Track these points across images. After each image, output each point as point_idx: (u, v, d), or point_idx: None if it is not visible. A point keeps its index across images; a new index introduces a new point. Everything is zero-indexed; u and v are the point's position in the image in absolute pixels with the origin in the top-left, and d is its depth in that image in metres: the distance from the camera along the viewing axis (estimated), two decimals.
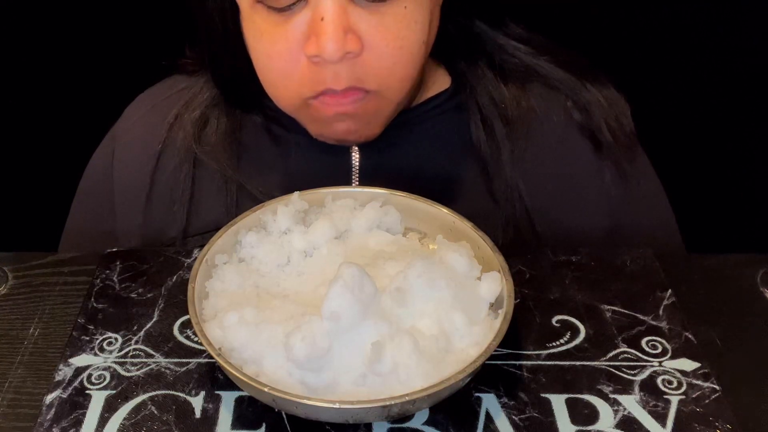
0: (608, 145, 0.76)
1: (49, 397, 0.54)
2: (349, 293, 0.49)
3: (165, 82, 0.83)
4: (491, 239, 0.59)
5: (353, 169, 0.75)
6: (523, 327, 0.58)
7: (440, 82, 0.79)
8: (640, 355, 0.56)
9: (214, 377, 0.55)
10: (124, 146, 0.80)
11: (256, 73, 0.70)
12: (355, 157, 0.75)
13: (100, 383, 0.55)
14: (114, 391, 0.54)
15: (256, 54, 0.67)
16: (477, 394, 0.53)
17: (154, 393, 0.54)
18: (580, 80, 0.77)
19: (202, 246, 0.59)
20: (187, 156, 0.76)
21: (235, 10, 0.67)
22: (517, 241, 0.73)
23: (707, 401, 0.53)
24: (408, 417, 0.52)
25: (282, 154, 0.76)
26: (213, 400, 0.54)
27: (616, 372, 0.55)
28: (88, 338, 0.58)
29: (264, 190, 0.73)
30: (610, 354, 0.56)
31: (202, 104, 0.78)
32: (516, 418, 0.52)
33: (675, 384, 0.54)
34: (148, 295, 0.62)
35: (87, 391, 0.54)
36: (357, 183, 0.75)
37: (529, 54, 0.78)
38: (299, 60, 0.64)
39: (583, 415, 0.52)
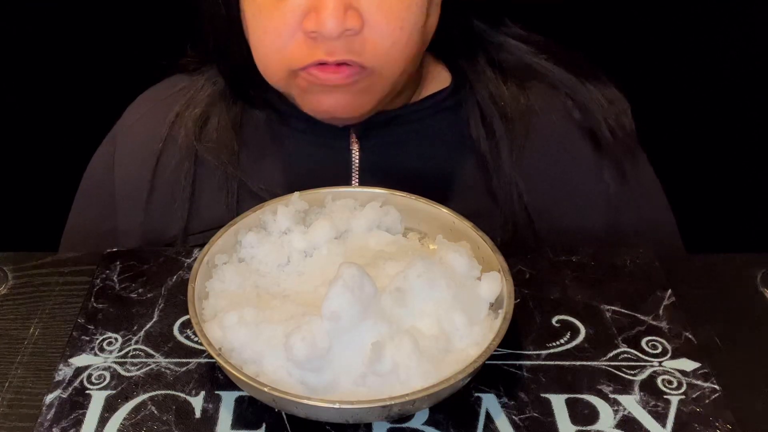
0: (608, 144, 0.76)
1: (49, 397, 0.54)
2: (349, 293, 0.49)
3: (165, 81, 0.83)
4: (490, 238, 0.59)
5: (353, 166, 0.75)
6: (523, 327, 0.58)
7: (440, 79, 0.79)
8: (640, 355, 0.56)
9: (214, 377, 0.55)
10: (125, 145, 0.80)
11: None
12: (355, 153, 0.75)
13: (100, 383, 0.55)
14: (114, 391, 0.54)
15: (252, 30, 0.67)
16: (477, 394, 0.53)
17: (154, 393, 0.54)
18: (579, 79, 0.78)
19: (202, 246, 0.59)
20: (188, 153, 0.76)
21: None
22: (516, 240, 0.73)
23: (707, 401, 0.53)
24: (408, 417, 0.52)
25: (282, 151, 0.77)
26: (213, 400, 0.54)
27: (616, 372, 0.55)
28: (88, 338, 0.58)
29: (265, 187, 0.74)
30: (610, 354, 0.56)
31: (202, 102, 0.78)
32: (516, 418, 0.52)
33: (675, 384, 0.54)
34: (148, 295, 0.62)
35: (87, 391, 0.54)
36: (357, 179, 0.75)
37: (528, 53, 0.78)
38: (294, 35, 0.64)
39: (583, 415, 0.52)
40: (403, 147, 0.76)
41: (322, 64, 0.65)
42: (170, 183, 0.76)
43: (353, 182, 0.75)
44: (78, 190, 0.83)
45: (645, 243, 0.75)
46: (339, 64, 0.64)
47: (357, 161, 0.75)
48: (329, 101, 0.68)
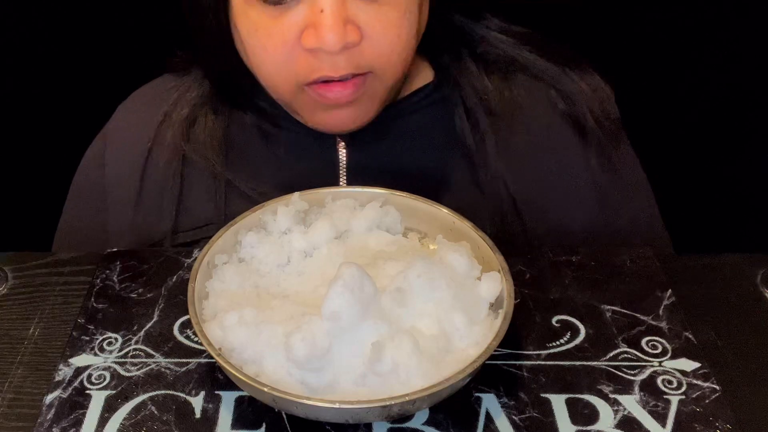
0: (593, 133, 0.77)
1: (49, 397, 0.54)
2: (349, 293, 0.49)
3: (155, 81, 0.84)
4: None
5: (340, 164, 0.75)
6: (523, 327, 0.58)
7: (424, 75, 0.79)
8: (640, 355, 0.56)
9: (214, 377, 0.55)
10: (114, 144, 0.80)
11: (246, 70, 0.71)
12: (342, 151, 0.75)
13: (100, 383, 0.55)
14: (114, 391, 0.54)
15: (250, 48, 0.68)
16: (477, 394, 0.53)
17: (154, 393, 0.54)
18: (562, 69, 0.78)
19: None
20: (176, 153, 0.76)
21: (228, 6, 0.68)
22: (505, 232, 0.73)
23: (707, 401, 0.53)
24: (408, 417, 0.52)
25: (269, 151, 0.77)
26: (213, 400, 0.54)
27: (616, 372, 0.55)
28: (88, 338, 0.58)
29: (252, 186, 0.74)
30: (610, 354, 0.56)
31: (190, 102, 0.78)
32: (516, 418, 0.52)
33: (675, 384, 0.54)
34: (148, 295, 0.62)
35: (87, 391, 0.54)
36: (344, 177, 0.76)
37: (511, 44, 0.78)
38: (294, 51, 0.65)
39: (583, 415, 0.52)
40: (390, 144, 0.76)
41: (327, 81, 0.66)
42: (159, 182, 0.76)
43: (341, 180, 0.75)
44: (70, 188, 0.83)
45: (628, 231, 0.76)
46: (344, 80, 0.66)
47: (344, 159, 0.75)
48: (337, 117, 0.70)
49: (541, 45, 0.79)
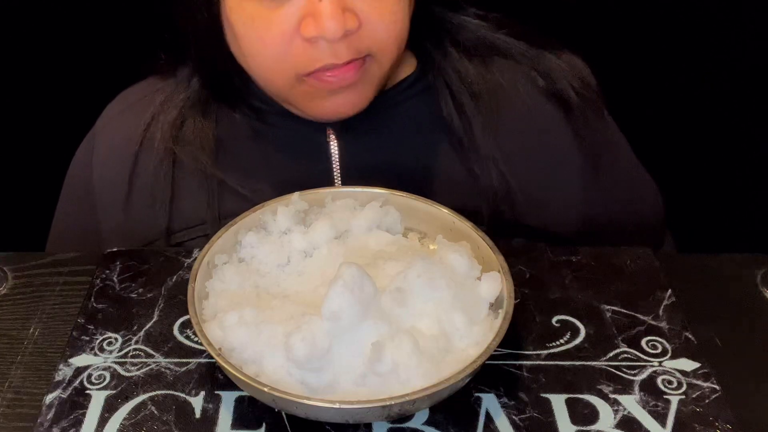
0: (576, 106, 0.78)
1: (49, 397, 0.54)
2: (349, 293, 0.50)
3: (141, 84, 0.83)
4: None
5: (332, 158, 0.76)
6: (523, 327, 0.58)
7: (407, 65, 0.80)
8: (640, 355, 0.56)
9: (214, 377, 0.55)
10: (102, 145, 0.80)
11: (237, 67, 0.71)
12: (334, 145, 0.76)
13: (100, 383, 0.55)
14: (114, 391, 0.54)
15: (246, 41, 0.68)
16: (477, 394, 0.53)
17: (154, 393, 0.54)
18: (538, 49, 0.80)
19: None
20: (166, 155, 0.76)
21: (221, 0, 0.68)
22: (499, 214, 0.74)
23: (707, 401, 0.53)
24: (408, 417, 0.52)
25: (260, 148, 0.77)
26: (213, 400, 0.54)
27: (616, 372, 0.55)
28: (88, 338, 0.58)
29: (244, 184, 0.74)
30: (610, 354, 0.56)
31: (177, 105, 0.78)
32: (516, 418, 0.52)
33: (675, 384, 0.54)
34: (148, 295, 0.62)
35: (87, 391, 0.54)
36: (337, 171, 0.76)
37: (488, 29, 0.80)
38: (293, 42, 0.66)
39: (583, 415, 0.52)
40: (380, 134, 0.77)
41: (329, 66, 0.66)
42: (149, 184, 0.76)
43: (334, 173, 0.76)
44: (62, 188, 0.84)
45: (622, 190, 0.79)
46: (347, 62, 0.66)
47: (336, 153, 0.76)
48: (336, 102, 0.70)
49: (515, 27, 0.80)
